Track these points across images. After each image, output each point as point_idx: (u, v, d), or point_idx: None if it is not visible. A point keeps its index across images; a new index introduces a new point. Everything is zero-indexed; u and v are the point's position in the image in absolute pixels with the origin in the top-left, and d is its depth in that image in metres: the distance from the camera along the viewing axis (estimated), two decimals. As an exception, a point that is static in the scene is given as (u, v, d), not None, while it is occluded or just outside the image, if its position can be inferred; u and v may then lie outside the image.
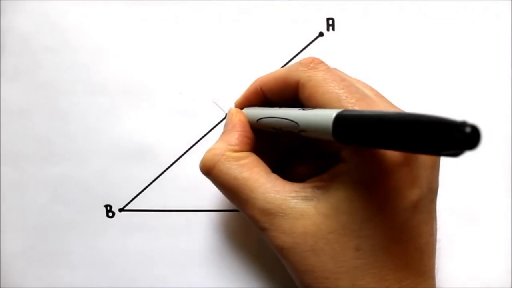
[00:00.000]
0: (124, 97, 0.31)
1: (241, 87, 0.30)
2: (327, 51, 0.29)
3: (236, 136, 0.24)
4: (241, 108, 0.27)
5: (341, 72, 0.23)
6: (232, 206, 0.31)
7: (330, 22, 0.29)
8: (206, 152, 0.24)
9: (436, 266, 0.22)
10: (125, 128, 0.31)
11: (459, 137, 0.14)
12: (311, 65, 0.23)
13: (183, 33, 0.30)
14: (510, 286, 0.29)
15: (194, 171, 0.31)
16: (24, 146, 0.32)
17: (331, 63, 0.29)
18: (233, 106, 0.27)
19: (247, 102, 0.26)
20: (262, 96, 0.26)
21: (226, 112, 0.31)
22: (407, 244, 0.20)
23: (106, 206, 0.32)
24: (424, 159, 0.20)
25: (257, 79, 0.26)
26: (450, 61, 0.29)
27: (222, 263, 0.32)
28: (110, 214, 0.32)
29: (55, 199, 0.32)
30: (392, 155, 0.19)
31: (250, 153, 0.24)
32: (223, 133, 0.25)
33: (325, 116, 0.19)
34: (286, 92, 0.24)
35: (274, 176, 0.23)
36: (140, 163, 0.31)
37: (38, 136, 0.32)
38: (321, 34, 0.29)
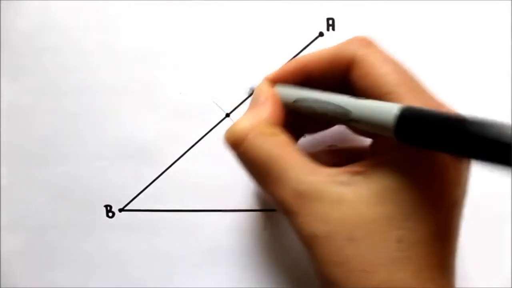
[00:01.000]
0: (124, 97, 0.31)
1: (241, 87, 0.30)
2: (327, 51, 0.29)
3: (269, 111, 0.22)
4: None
5: (391, 55, 0.22)
6: (232, 206, 0.31)
7: (330, 22, 0.29)
8: (234, 125, 0.22)
9: None
10: (125, 128, 0.31)
11: None
12: (365, 42, 0.21)
13: (182, 33, 0.30)
14: (510, 286, 0.29)
15: (194, 171, 0.31)
16: (24, 146, 0.32)
17: (331, 63, 0.30)
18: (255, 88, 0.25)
19: (280, 80, 0.24)
20: (301, 77, 0.23)
21: (226, 112, 0.31)
22: (446, 243, 0.20)
23: (106, 206, 0.32)
24: (463, 165, 0.20)
25: (297, 58, 0.24)
26: (450, 61, 0.29)
27: (223, 263, 0.32)
28: (110, 214, 0.32)
29: (55, 199, 0.32)
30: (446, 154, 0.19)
31: (282, 130, 0.22)
32: (252, 106, 0.23)
33: (387, 110, 0.17)
34: (334, 71, 0.22)
35: (308, 158, 0.21)
36: (140, 163, 0.31)
37: (38, 136, 0.32)
38: (321, 34, 0.29)
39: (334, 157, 0.25)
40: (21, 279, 0.33)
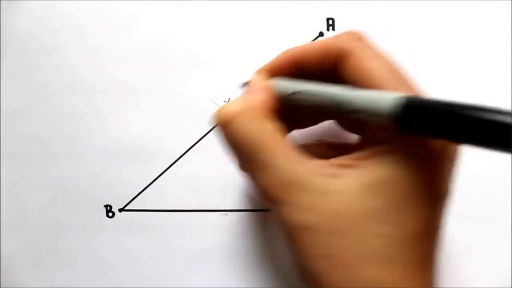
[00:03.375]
0: (124, 97, 0.31)
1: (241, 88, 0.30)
2: (327, 51, 0.29)
3: (262, 98, 0.22)
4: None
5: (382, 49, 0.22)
6: (232, 206, 0.31)
7: (330, 22, 0.29)
8: (225, 105, 0.21)
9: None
10: (125, 128, 0.31)
11: None
12: (356, 36, 0.21)
13: (182, 33, 0.30)
14: (510, 286, 0.29)
15: (194, 171, 0.31)
16: (24, 146, 0.32)
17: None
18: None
19: (273, 72, 0.24)
20: (293, 68, 0.23)
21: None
22: (431, 240, 0.19)
23: (106, 206, 0.32)
24: (456, 157, 0.20)
25: (288, 50, 0.23)
26: (450, 61, 0.29)
27: (223, 263, 0.32)
28: (110, 214, 0.32)
29: (55, 199, 0.32)
30: (439, 145, 0.19)
31: (273, 119, 0.21)
32: (246, 92, 0.23)
33: (386, 98, 0.17)
34: (325, 63, 0.22)
35: (296, 149, 0.20)
36: (140, 163, 0.31)
37: (38, 136, 0.32)
38: (321, 34, 0.29)
39: (323, 150, 0.25)
40: (21, 279, 0.33)
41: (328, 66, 0.22)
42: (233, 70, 0.30)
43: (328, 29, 0.29)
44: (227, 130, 0.21)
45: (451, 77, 0.29)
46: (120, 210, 0.32)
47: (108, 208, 0.32)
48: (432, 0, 0.29)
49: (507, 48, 0.29)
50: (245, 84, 0.24)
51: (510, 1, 0.28)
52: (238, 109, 0.21)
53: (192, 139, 0.31)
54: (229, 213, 0.31)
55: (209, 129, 0.31)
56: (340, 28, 0.29)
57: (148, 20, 0.30)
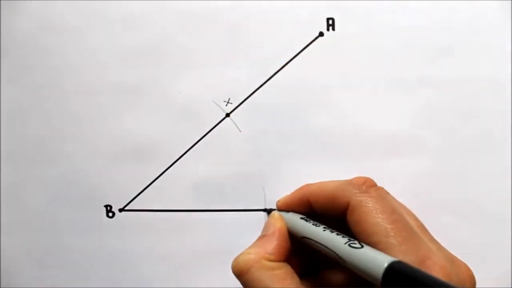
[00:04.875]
0: (124, 97, 0.31)
1: (241, 87, 0.30)
2: (327, 51, 0.29)
3: (274, 245, 0.24)
4: (284, 210, 0.27)
5: (391, 198, 0.23)
6: (232, 206, 0.31)
7: (330, 22, 0.29)
8: (241, 254, 0.24)
9: None
10: (125, 128, 0.31)
11: None
12: (363, 187, 0.23)
13: (183, 33, 0.30)
14: (510, 286, 0.29)
15: (194, 171, 0.31)
16: (24, 146, 0.32)
17: (331, 63, 0.30)
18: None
19: (291, 206, 0.27)
20: (308, 205, 0.26)
21: (226, 112, 0.31)
22: None
23: (106, 206, 0.32)
24: None
25: (306, 186, 0.26)
26: (450, 61, 0.29)
27: (223, 263, 0.32)
28: (110, 214, 0.32)
29: (55, 199, 0.32)
30: None
31: (285, 264, 0.24)
32: (261, 237, 0.26)
33: (376, 263, 0.19)
34: (334, 209, 0.24)
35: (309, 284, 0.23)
36: (140, 163, 0.31)
37: (38, 136, 0.32)
38: (321, 34, 0.29)
39: (337, 275, 0.26)
40: (21, 279, 0.33)
41: (336, 212, 0.24)
42: (233, 70, 0.30)
43: (328, 29, 0.29)
44: (243, 279, 0.24)
45: (451, 77, 0.29)
46: (120, 210, 0.32)
47: (108, 208, 0.32)
48: (432, 0, 0.29)
49: (507, 48, 0.29)
50: (269, 211, 0.28)
51: (510, 1, 0.28)
52: (251, 260, 0.23)
53: (192, 139, 0.31)
54: (229, 213, 0.31)
55: (209, 129, 0.31)
56: (340, 28, 0.29)
57: (148, 20, 0.30)
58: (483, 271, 0.30)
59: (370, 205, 0.22)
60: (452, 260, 0.22)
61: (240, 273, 0.24)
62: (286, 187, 0.30)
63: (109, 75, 0.31)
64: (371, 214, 0.22)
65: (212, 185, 0.31)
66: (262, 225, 0.31)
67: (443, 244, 0.23)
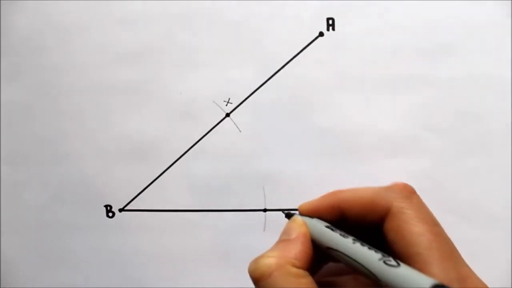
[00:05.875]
0: (124, 97, 0.31)
1: (241, 87, 0.30)
2: (327, 51, 0.29)
3: (299, 250, 0.22)
4: (306, 215, 0.24)
5: (430, 211, 0.22)
6: (232, 206, 0.31)
7: (330, 22, 0.29)
8: (261, 257, 0.22)
9: None
10: (125, 128, 0.31)
11: None
12: (405, 193, 0.21)
13: (183, 33, 0.30)
14: (510, 286, 0.29)
15: (194, 171, 0.31)
16: (24, 146, 0.32)
17: (331, 63, 0.30)
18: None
19: (316, 213, 0.24)
20: (337, 212, 0.23)
21: (226, 112, 0.31)
22: None
23: (106, 206, 0.32)
24: None
25: (336, 192, 0.24)
26: (450, 61, 0.29)
27: (223, 263, 0.32)
28: (110, 214, 0.32)
29: (55, 199, 0.32)
30: None
31: (307, 273, 0.22)
32: (282, 241, 0.23)
33: (416, 284, 0.18)
34: (371, 216, 0.22)
35: None
36: (140, 163, 0.31)
37: (38, 136, 0.32)
38: (321, 34, 0.29)
39: (358, 285, 0.25)
40: (21, 279, 0.33)
41: (372, 220, 0.22)
42: (233, 70, 0.30)
43: (328, 29, 0.29)
44: (263, 284, 0.22)
45: (451, 77, 0.29)
46: (120, 210, 0.32)
47: (108, 208, 0.32)
48: (432, 0, 0.29)
49: (507, 48, 0.29)
50: (289, 216, 0.24)
51: (510, 1, 0.28)
52: (273, 265, 0.21)
53: (192, 139, 0.31)
54: (228, 213, 0.31)
55: (209, 129, 0.31)
56: (340, 28, 0.29)
57: (148, 20, 0.30)
58: (482, 271, 0.30)
59: (412, 213, 0.21)
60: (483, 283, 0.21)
61: (260, 278, 0.22)
62: (286, 187, 0.30)
63: (109, 75, 0.31)
64: (413, 223, 0.20)
65: (212, 185, 0.31)
66: (262, 225, 0.31)
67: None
